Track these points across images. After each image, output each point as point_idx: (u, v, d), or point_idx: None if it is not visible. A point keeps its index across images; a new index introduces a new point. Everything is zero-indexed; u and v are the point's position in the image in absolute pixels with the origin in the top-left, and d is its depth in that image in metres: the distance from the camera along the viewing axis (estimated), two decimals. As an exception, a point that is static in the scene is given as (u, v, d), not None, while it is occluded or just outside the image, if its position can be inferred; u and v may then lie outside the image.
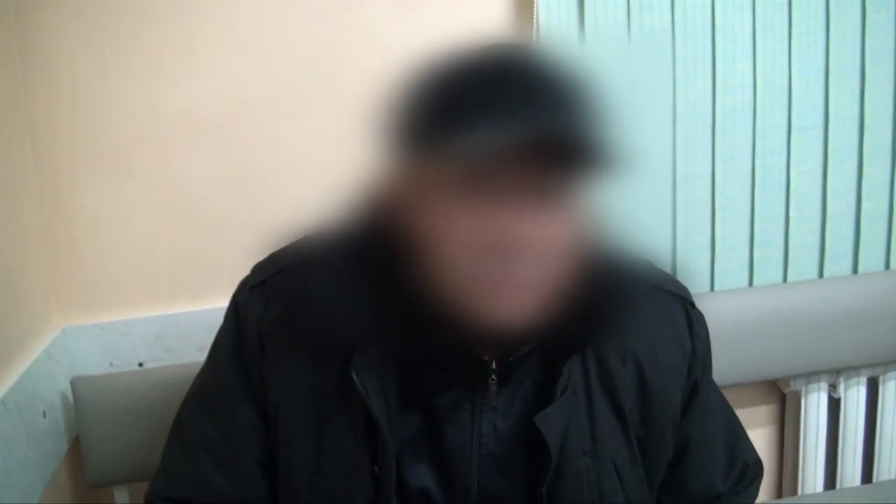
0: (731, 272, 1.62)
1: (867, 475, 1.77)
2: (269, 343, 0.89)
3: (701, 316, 0.99)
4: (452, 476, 0.86)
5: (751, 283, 1.64)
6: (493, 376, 0.85)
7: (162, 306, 1.45)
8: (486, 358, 0.84)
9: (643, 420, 0.92)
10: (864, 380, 1.71)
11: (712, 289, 1.62)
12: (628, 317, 0.88)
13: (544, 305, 0.78)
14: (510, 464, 0.87)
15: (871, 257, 1.67)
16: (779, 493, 1.83)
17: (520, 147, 0.70)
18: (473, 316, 0.77)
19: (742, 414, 1.77)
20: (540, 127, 0.71)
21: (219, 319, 0.95)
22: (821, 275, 1.66)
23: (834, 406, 1.72)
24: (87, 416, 1.31)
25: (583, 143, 0.72)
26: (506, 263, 0.74)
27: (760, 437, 1.79)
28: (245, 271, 0.95)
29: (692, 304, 0.98)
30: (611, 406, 0.90)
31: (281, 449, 0.90)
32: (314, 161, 1.44)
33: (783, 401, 1.78)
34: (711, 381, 1.02)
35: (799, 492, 1.74)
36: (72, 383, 1.32)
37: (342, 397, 0.85)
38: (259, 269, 0.94)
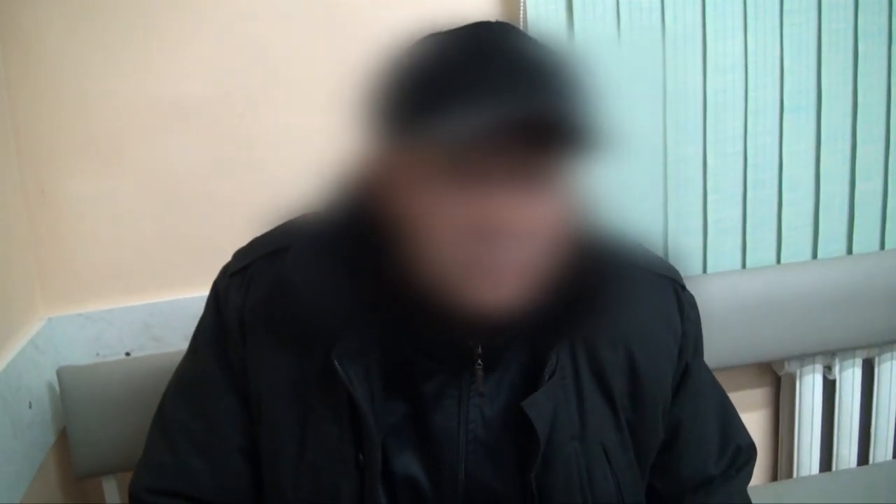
0: (724, 254, 1.61)
1: (863, 457, 1.76)
2: (251, 330, 0.88)
3: (691, 298, 0.98)
4: (440, 463, 0.85)
5: (744, 265, 1.63)
6: (480, 362, 0.84)
7: (148, 295, 1.43)
8: (472, 343, 0.83)
9: (633, 404, 0.91)
10: (859, 361, 1.70)
11: (705, 271, 1.61)
12: (617, 300, 0.87)
13: (531, 290, 0.77)
14: (498, 450, 0.86)
15: (866, 238, 1.66)
16: (774, 476, 1.82)
17: (503, 129, 0.68)
18: (459, 301, 0.76)
19: (736, 397, 1.77)
20: (524, 108, 0.70)
21: (206, 307, 0.94)
22: (815, 256, 1.65)
23: (829, 388, 1.72)
24: (73, 407, 1.30)
25: (568, 124, 0.70)
26: (492, 248, 0.73)
27: (755, 420, 1.79)
28: (232, 259, 0.94)
29: (682, 287, 0.97)
30: (600, 390, 0.89)
31: (264, 438, 0.89)
32: (301, 147, 1.43)
33: (778, 383, 1.77)
34: (703, 363, 1.01)
35: (794, 474, 1.74)
36: (58, 374, 1.31)
37: (326, 385, 0.84)
38: (240, 255, 0.93)
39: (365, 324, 0.82)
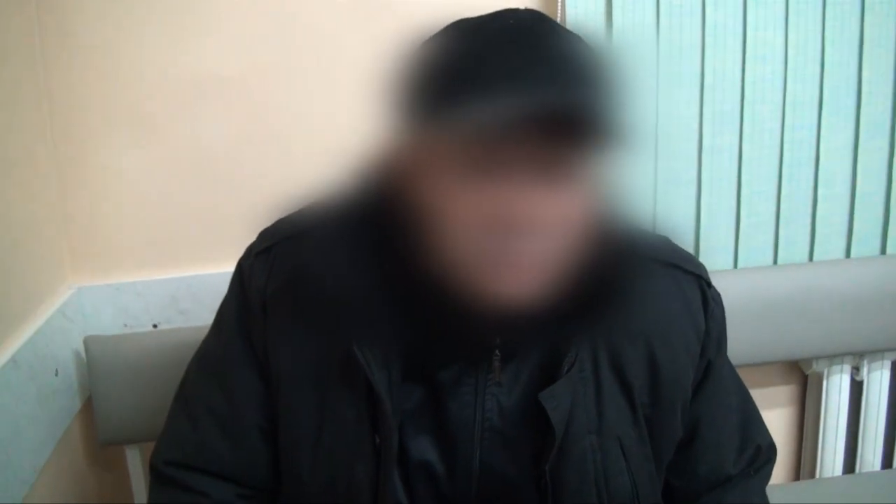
0: (756, 249, 1.59)
1: (888, 460, 1.74)
2: (272, 311, 0.89)
3: (717, 295, 0.97)
4: (455, 450, 0.85)
5: (775, 262, 1.60)
6: (498, 352, 0.84)
7: (177, 268, 1.44)
8: (493, 333, 0.83)
9: (652, 400, 0.90)
10: (888, 363, 1.67)
11: (735, 266, 1.58)
12: (640, 295, 0.86)
13: (551, 284, 0.76)
14: (514, 440, 0.85)
15: (901, 238, 1.62)
16: (797, 476, 1.81)
17: (529, 121, 0.68)
18: (478, 293, 0.75)
19: (762, 394, 1.75)
20: (551, 101, 0.69)
21: (233, 283, 0.95)
22: (848, 255, 1.63)
23: (856, 389, 1.69)
24: (99, 376, 1.31)
25: (595, 118, 0.70)
26: (513, 240, 0.72)
27: (780, 419, 1.77)
28: (262, 235, 0.94)
29: (708, 283, 0.96)
30: (619, 385, 0.89)
31: (283, 419, 0.89)
32: (330, 123, 1.42)
33: (804, 382, 1.75)
34: (726, 361, 1.00)
35: (817, 475, 1.72)
36: (85, 342, 1.32)
37: (344, 369, 0.85)
38: (265, 235, 0.94)
39: (384, 310, 0.82)
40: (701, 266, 0.96)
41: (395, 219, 0.80)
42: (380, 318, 0.82)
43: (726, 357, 1.00)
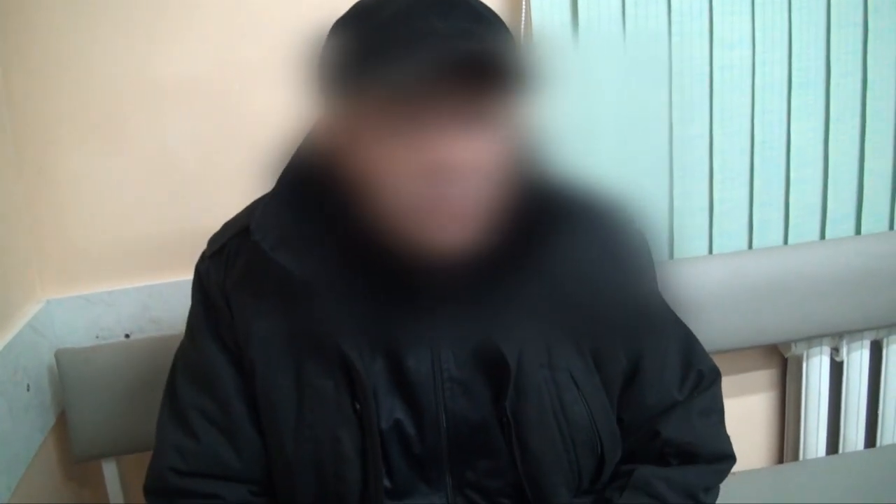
0: (731, 234, 1.59)
1: (870, 439, 1.75)
2: (236, 302, 0.92)
3: (641, 234, 1.01)
4: (420, 405, 0.89)
5: (750, 246, 1.60)
6: (446, 302, 0.89)
7: (148, 276, 1.42)
8: (436, 284, 0.87)
9: (592, 334, 0.94)
10: (867, 343, 1.68)
11: (711, 251, 1.58)
12: (565, 238, 0.91)
13: (482, 226, 0.81)
14: (473, 385, 0.90)
15: (875, 218, 1.63)
16: (780, 459, 1.81)
17: (439, 71, 0.71)
18: (415, 243, 0.80)
19: (742, 379, 1.75)
20: (456, 50, 0.73)
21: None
22: (823, 236, 1.63)
23: (836, 370, 1.70)
24: (72, 390, 1.30)
25: (501, 63, 0.74)
26: (441, 188, 0.77)
27: (761, 402, 1.78)
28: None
29: (633, 221, 1.00)
30: (560, 321, 0.93)
31: (263, 402, 0.92)
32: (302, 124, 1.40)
33: (784, 365, 1.76)
34: (659, 294, 1.04)
35: (801, 457, 1.73)
36: (56, 356, 1.30)
37: (314, 341, 0.88)
38: (214, 239, 0.98)
39: (338, 276, 0.86)
40: (625, 206, 1.00)
41: (335, 187, 0.84)
42: (336, 286, 0.86)
43: (658, 291, 1.04)
